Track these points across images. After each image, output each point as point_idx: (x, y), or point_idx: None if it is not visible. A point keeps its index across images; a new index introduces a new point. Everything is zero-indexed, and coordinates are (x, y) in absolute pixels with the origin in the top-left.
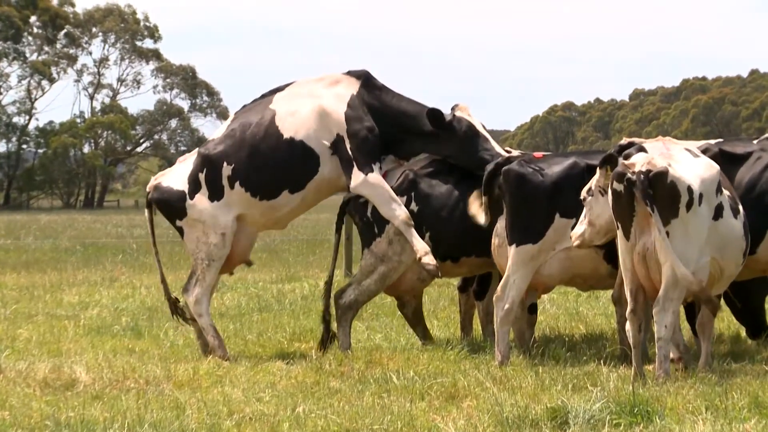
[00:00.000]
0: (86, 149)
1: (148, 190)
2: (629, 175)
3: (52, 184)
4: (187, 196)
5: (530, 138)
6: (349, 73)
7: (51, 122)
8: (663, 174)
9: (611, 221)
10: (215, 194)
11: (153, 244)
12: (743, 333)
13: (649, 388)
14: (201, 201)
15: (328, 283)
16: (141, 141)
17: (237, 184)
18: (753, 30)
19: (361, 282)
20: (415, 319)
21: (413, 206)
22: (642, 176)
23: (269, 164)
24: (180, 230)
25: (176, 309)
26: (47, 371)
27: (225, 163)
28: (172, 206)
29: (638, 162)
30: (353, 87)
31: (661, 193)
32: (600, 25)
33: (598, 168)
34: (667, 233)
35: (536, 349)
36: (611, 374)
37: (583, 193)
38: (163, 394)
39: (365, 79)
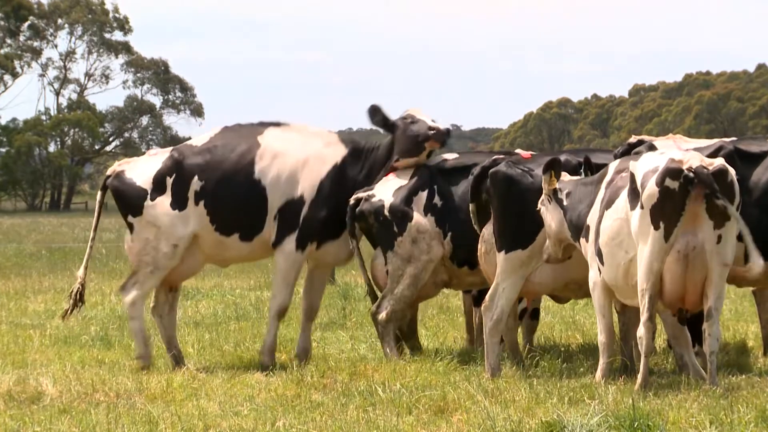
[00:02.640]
0: (52, 148)
1: (108, 173)
2: (686, 172)
3: (15, 185)
4: (149, 196)
5: (524, 136)
6: (339, 136)
7: (14, 120)
8: (724, 171)
9: (559, 230)
10: (179, 203)
11: (93, 228)
12: (750, 343)
13: (650, 401)
14: (161, 205)
15: (370, 287)
16: (110, 139)
17: (202, 204)
18: (760, 22)
19: (393, 291)
20: (410, 331)
21: (437, 200)
22: (706, 171)
23: (234, 200)
24: (130, 226)
25: (75, 304)
26: (12, 383)
27: (197, 177)
28: (129, 201)
29: (691, 159)
30: (340, 153)
31: (721, 192)
32: (598, 18)
33: (542, 174)
34: (719, 237)
35: (530, 361)
36: (610, 386)
37: (539, 205)
38: (135, 408)
39: (352, 148)
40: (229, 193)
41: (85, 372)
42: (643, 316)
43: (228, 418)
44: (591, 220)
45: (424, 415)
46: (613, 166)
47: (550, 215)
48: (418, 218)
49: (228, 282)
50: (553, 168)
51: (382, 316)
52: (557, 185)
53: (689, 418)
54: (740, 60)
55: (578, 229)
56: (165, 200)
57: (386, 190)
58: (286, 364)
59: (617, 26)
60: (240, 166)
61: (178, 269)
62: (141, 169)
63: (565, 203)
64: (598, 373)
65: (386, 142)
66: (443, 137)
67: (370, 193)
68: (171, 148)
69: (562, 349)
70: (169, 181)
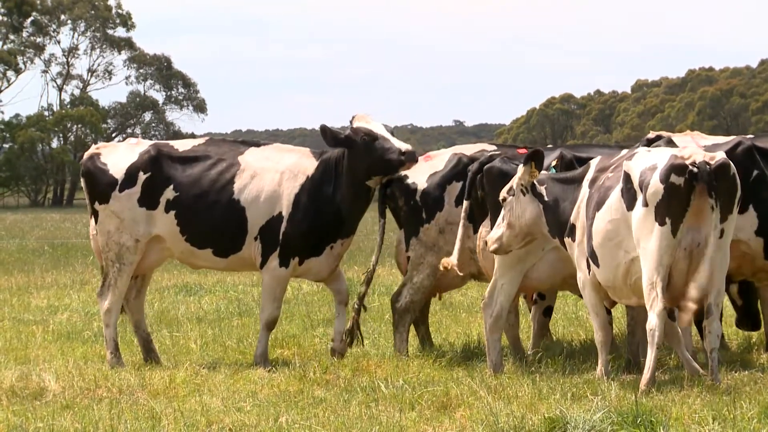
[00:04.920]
0: (55, 144)
1: (85, 156)
2: (691, 167)
3: (18, 180)
4: (118, 187)
5: (526, 132)
6: (310, 150)
7: (17, 115)
8: (726, 166)
9: (533, 223)
10: (148, 203)
11: (91, 214)
12: (753, 339)
13: (653, 397)
14: (129, 198)
15: (371, 273)
16: (113, 135)
17: (173, 213)
18: (762, 18)
19: (412, 279)
20: (422, 318)
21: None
22: (707, 167)
23: (211, 218)
24: (95, 214)
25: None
26: (14, 379)
27: (172, 186)
28: (98, 187)
29: (693, 154)
30: (311, 166)
31: (723, 187)
32: (601, 13)
33: (522, 165)
34: (722, 232)
35: (533, 357)
36: (612, 383)
37: (503, 194)
38: (138, 404)
39: (322, 161)
40: (206, 211)
41: (87, 368)
42: (658, 306)
43: (231, 414)
44: (576, 219)
45: (427, 411)
46: (594, 163)
47: (522, 207)
48: (449, 209)
49: (231, 278)
50: (535, 160)
51: (401, 305)
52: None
53: (692, 414)
54: (743, 56)
55: (562, 226)
56: (133, 194)
57: (420, 174)
58: (289, 360)
59: (620, 22)
60: (219, 185)
61: (147, 259)
62: (117, 157)
63: (546, 199)
64: (599, 370)
65: (345, 155)
66: (416, 157)
67: (403, 173)
68: (152, 142)
69: (565, 345)
70: (142, 176)
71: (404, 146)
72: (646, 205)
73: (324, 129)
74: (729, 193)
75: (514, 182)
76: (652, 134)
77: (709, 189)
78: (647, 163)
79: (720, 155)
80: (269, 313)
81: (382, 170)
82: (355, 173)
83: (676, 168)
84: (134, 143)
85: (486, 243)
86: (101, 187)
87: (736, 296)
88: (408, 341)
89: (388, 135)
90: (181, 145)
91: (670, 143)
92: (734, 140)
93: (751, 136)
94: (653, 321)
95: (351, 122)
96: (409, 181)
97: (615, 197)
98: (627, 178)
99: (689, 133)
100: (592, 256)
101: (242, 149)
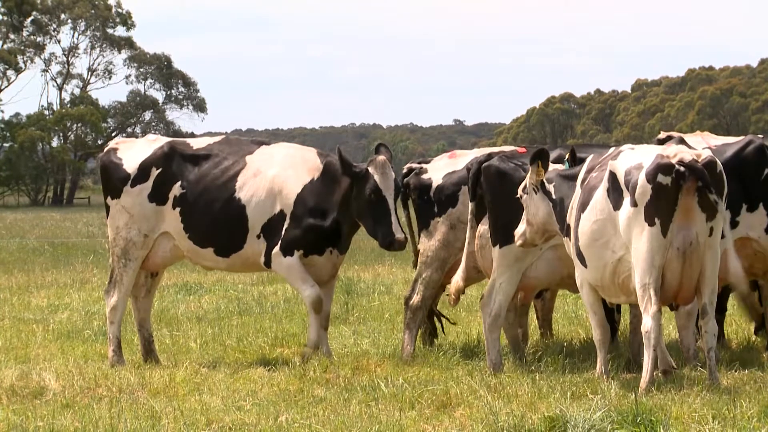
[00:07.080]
0: (55, 143)
1: (105, 149)
2: (678, 167)
3: (18, 180)
4: (130, 182)
5: (526, 131)
6: (317, 152)
7: (17, 114)
8: (713, 163)
9: (546, 220)
10: (157, 198)
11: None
12: (753, 339)
13: (653, 396)
14: (140, 194)
15: (416, 260)
16: (113, 134)
17: (178, 210)
18: (763, 18)
19: (422, 274)
20: (431, 313)
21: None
22: (695, 164)
23: (212, 216)
24: (107, 208)
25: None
26: (14, 378)
27: (180, 182)
28: (111, 181)
29: (680, 153)
30: (316, 168)
31: (711, 183)
32: (600, 12)
33: (529, 164)
34: (711, 230)
35: (533, 356)
36: (612, 381)
37: (519, 191)
38: (138, 403)
39: (327, 163)
40: (207, 208)
41: (87, 367)
42: (652, 308)
43: (230, 413)
44: (570, 219)
45: (426, 410)
46: (586, 162)
47: (536, 205)
48: (463, 208)
49: (231, 277)
50: (541, 159)
51: (414, 301)
52: (545, 177)
53: (692, 413)
54: (743, 55)
55: (564, 224)
56: (144, 190)
57: (438, 170)
58: (289, 359)
59: (620, 21)
60: (221, 183)
61: (156, 257)
62: (133, 153)
63: (554, 197)
64: (598, 368)
65: (351, 179)
66: (403, 248)
67: (423, 167)
68: (169, 139)
69: (565, 344)
70: (155, 172)
71: (399, 235)
72: (635, 205)
73: (340, 155)
74: (717, 192)
75: (527, 181)
76: (662, 134)
77: (697, 187)
78: (633, 162)
79: (706, 153)
80: (308, 295)
81: (366, 228)
82: (348, 200)
83: (663, 167)
84: (152, 139)
85: (485, 241)
86: (114, 182)
87: (756, 304)
88: (414, 341)
89: (392, 207)
90: (197, 143)
91: (682, 143)
92: (745, 139)
93: (761, 135)
94: (648, 323)
95: (377, 148)
96: (426, 176)
97: (600, 197)
98: (612, 177)
99: (699, 134)
100: (579, 257)
101: (252, 148)
